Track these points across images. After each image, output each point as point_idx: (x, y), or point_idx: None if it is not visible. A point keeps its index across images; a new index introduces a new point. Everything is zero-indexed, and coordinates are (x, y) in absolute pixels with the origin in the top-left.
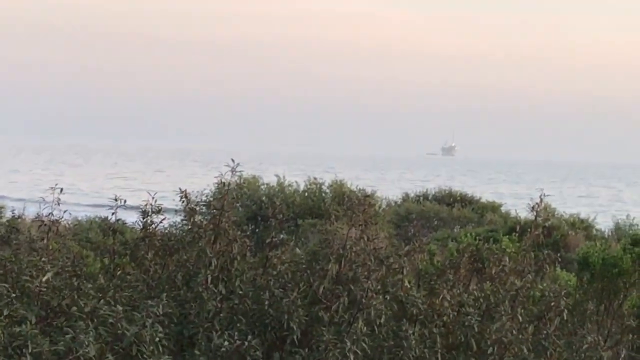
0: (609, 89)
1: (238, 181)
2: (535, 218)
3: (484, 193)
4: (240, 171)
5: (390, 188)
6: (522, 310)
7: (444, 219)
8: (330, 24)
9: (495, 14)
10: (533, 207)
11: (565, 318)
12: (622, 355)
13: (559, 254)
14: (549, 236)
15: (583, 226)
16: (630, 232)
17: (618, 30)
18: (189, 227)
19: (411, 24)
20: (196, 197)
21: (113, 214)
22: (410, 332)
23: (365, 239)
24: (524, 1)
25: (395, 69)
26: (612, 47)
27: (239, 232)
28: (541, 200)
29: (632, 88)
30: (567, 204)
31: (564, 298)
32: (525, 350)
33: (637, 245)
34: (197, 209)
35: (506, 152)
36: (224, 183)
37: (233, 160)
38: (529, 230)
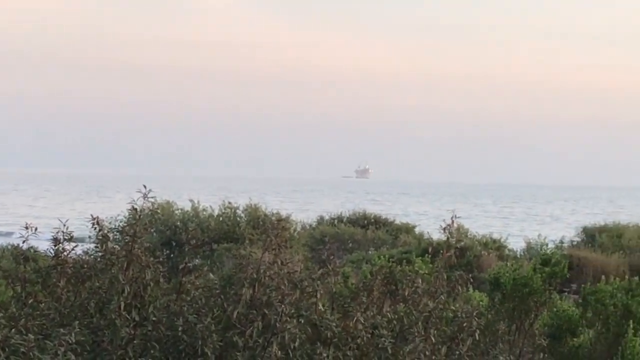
0: (524, 111)
1: (151, 207)
2: (447, 239)
3: (398, 215)
4: (152, 197)
5: (305, 211)
6: (435, 331)
7: (358, 241)
8: (233, 52)
9: (410, 35)
10: (445, 229)
11: (477, 338)
12: None
13: (472, 275)
14: (462, 257)
15: (495, 246)
16: (541, 251)
17: (531, 54)
18: (102, 254)
19: (324, 45)
20: (110, 223)
21: (24, 241)
22: (325, 355)
23: (279, 262)
24: (438, 22)
25: (314, 93)
26: (525, 70)
27: (152, 258)
28: (452, 221)
29: (535, 111)
30: (480, 224)
31: (476, 318)
32: None
33: (547, 265)
34: (111, 235)
35: (421, 174)
36: (136, 209)
37: (145, 186)
38: (441, 251)
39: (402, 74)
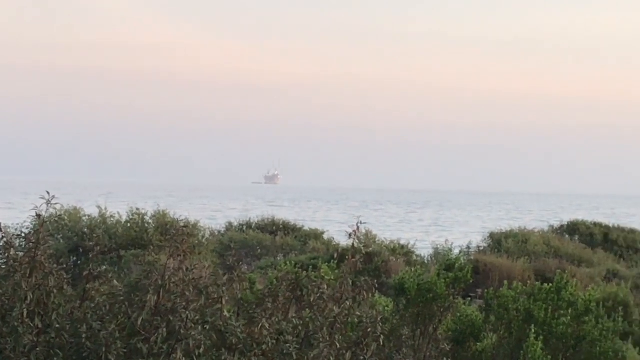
0: (433, 116)
1: (58, 213)
2: (353, 245)
3: (306, 221)
4: (56, 203)
5: (214, 217)
6: (341, 337)
7: (267, 248)
8: (134, 54)
9: (317, 39)
10: (350, 235)
11: (382, 343)
12: None
13: (379, 280)
14: (369, 262)
15: (403, 252)
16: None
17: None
18: (4, 260)
19: (230, 52)
20: (16, 229)
21: None
22: None
23: (185, 269)
24: (341, 25)
25: (224, 98)
26: (436, 74)
27: (56, 265)
28: (358, 227)
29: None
30: (388, 230)
31: (381, 324)
32: None
33: (450, 271)
34: (17, 242)
35: (331, 179)
36: (39, 215)
37: (48, 193)
38: (348, 257)
39: (310, 77)
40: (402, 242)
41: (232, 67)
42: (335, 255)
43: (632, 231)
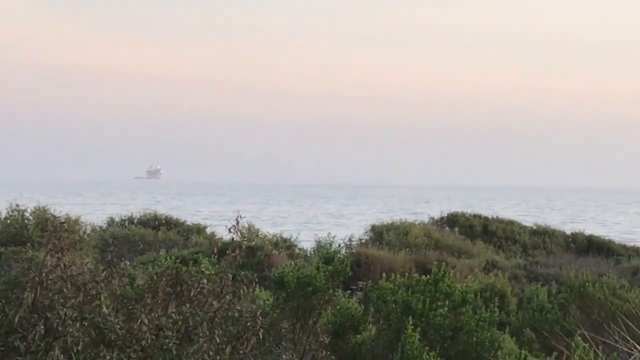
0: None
1: None
2: (233, 239)
3: (189, 215)
4: None
5: (96, 212)
6: (221, 331)
7: (149, 243)
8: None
9: (200, 38)
10: (230, 229)
11: (261, 337)
12: None
13: (263, 274)
14: (252, 256)
15: (286, 245)
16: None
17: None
18: None
19: (97, 44)
20: None
21: None
22: (109, 357)
23: (63, 265)
24: (231, 24)
25: (92, 91)
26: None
27: None
28: (238, 221)
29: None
30: (274, 224)
31: (260, 317)
32: None
33: (330, 264)
34: None
35: (215, 174)
36: None
37: None
38: (228, 251)
39: (189, 75)
40: (285, 235)
41: (112, 59)
42: (215, 250)
43: (511, 222)
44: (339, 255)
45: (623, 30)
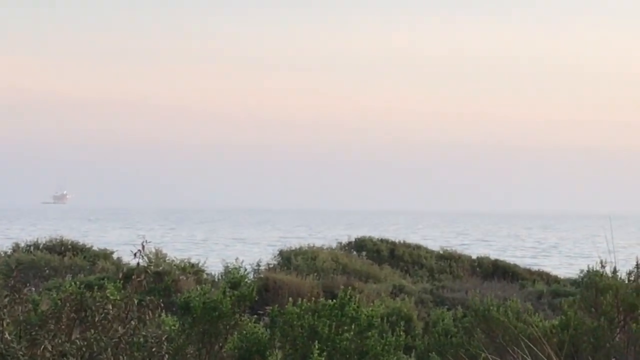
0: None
1: None
2: (138, 264)
3: (95, 241)
4: None
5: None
6: (125, 357)
7: (55, 268)
8: None
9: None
10: (135, 254)
11: None
12: None
13: (170, 299)
14: (160, 281)
15: (194, 270)
16: (231, 275)
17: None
18: None
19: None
20: None
21: None
22: None
23: None
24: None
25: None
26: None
27: None
28: (143, 246)
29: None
30: (180, 249)
31: (166, 343)
32: None
33: (236, 289)
34: None
35: (124, 199)
36: None
37: None
38: (133, 276)
39: (87, 98)
40: (193, 260)
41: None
42: (121, 275)
43: (418, 247)
44: (245, 280)
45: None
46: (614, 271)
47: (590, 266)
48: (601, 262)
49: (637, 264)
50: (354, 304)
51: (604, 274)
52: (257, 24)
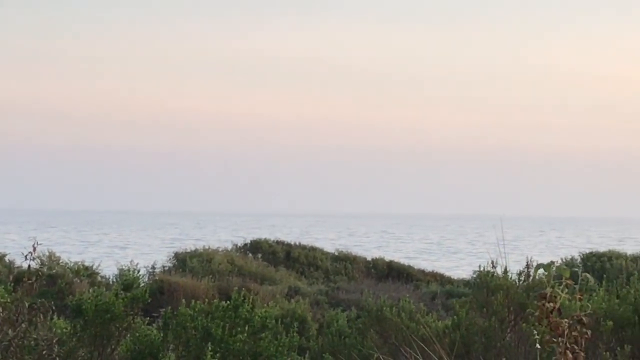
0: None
1: None
2: (29, 267)
3: None
4: None
5: None
6: None
7: None
8: None
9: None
10: (26, 256)
11: None
12: None
13: (64, 302)
14: (53, 284)
15: (88, 273)
16: (124, 277)
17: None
18: None
19: None
20: None
21: None
22: None
23: None
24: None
25: None
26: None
27: None
28: (34, 248)
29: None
30: (76, 251)
31: (57, 346)
32: None
33: (128, 290)
34: None
35: (16, 199)
36: None
37: None
38: (24, 279)
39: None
40: (87, 263)
41: None
42: (12, 278)
43: (313, 249)
44: (138, 282)
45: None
46: (505, 271)
47: (482, 267)
48: (492, 263)
49: (527, 264)
50: (248, 305)
51: (495, 274)
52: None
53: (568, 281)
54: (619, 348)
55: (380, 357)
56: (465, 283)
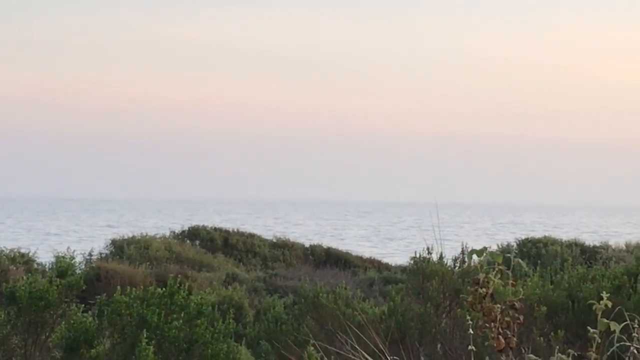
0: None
1: None
2: None
3: None
4: None
5: None
6: None
7: None
8: None
9: None
10: None
11: None
12: None
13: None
14: None
15: (24, 260)
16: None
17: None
18: None
19: None
20: None
21: None
22: None
23: None
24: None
25: None
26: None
27: None
28: None
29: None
30: (12, 238)
31: None
32: None
33: (63, 277)
34: None
35: None
36: None
37: None
38: None
39: None
40: (23, 250)
41: None
42: None
43: (251, 235)
44: (73, 269)
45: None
46: (440, 257)
47: (418, 253)
48: (428, 249)
49: (462, 251)
50: (184, 292)
51: (431, 260)
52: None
53: (500, 267)
54: (552, 333)
55: (316, 343)
56: (403, 269)
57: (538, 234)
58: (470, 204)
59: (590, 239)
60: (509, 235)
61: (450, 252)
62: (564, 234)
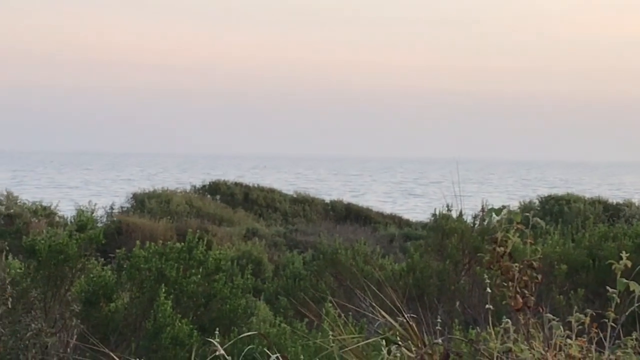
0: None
1: None
2: None
3: None
4: None
5: None
6: None
7: None
8: None
9: None
10: None
11: (10, 306)
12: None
13: (22, 242)
14: (11, 224)
15: (46, 213)
16: (79, 218)
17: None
18: None
19: None
20: None
21: None
22: None
23: None
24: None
25: None
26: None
27: None
28: None
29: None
30: (35, 191)
31: (10, 286)
32: None
33: (82, 231)
34: None
35: None
36: None
37: None
38: None
39: None
40: (45, 203)
41: None
42: None
43: (272, 190)
44: (93, 222)
45: None
46: (460, 214)
47: (437, 210)
48: (447, 206)
49: (482, 208)
50: (202, 247)
51: (450, 217)
52: None
53: (519, 225)
54: (572, 291)
55: (335, 300)
56: (424, 226)
57: (561, 190)
58: (495, 160)
59: (613, 197)
60: (532, 192)
61: (473, 211)
62: (587, 192)
